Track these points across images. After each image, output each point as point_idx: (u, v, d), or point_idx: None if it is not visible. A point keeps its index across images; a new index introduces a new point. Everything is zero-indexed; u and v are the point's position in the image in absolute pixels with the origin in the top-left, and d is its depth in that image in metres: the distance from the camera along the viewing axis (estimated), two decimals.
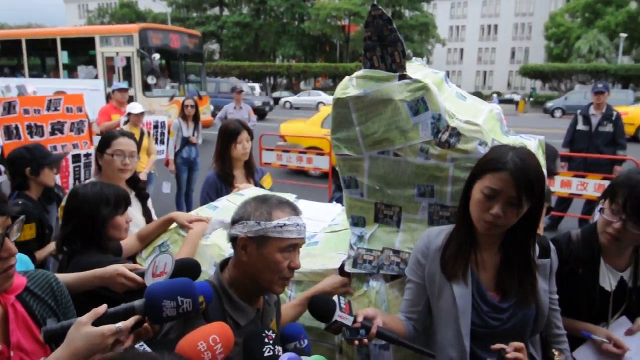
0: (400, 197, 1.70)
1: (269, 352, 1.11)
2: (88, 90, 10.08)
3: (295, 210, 1.32)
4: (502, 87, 53.27)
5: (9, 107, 3.84)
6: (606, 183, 5.47)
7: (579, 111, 6.15)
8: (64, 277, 1.47)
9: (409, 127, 1.58)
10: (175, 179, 6.36)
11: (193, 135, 6.30)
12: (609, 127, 5.82)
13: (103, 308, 1.02)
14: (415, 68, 1.68)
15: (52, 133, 4.16)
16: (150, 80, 12.63)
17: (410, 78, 1.57)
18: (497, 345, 1.24)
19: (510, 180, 1.30)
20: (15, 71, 15.60)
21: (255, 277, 1.30)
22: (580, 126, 5.98)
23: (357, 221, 1.83)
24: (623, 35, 34.09)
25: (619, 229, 1.54)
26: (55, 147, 4.20)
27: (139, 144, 5.24)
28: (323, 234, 2.12)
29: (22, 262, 1.72)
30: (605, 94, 5.88)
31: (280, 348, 1.15)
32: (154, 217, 2.59)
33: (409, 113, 1.57)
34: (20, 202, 2.74)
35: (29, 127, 3.98)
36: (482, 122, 1.58)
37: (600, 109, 5.89)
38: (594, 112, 5.94)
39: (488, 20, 59.20)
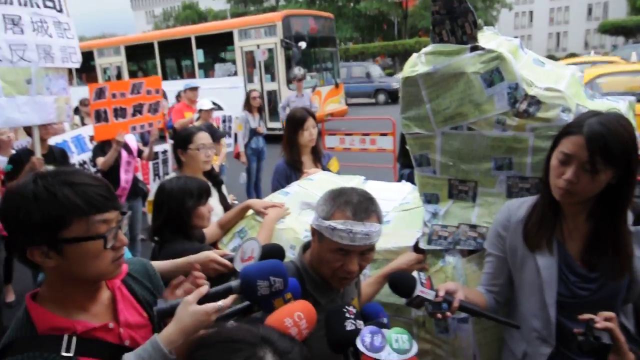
0: (476, 172, 1.66)
1: (350, 326, 1.15)
2: (227, 89, 10.25)
3: (356, 216, 1.25)
4: (579, 48, 48.89)
5: (100, 93, 4.13)
6: None
7: None
8: (161, 264, 1.60)
9: (483, 99, 1.52)
10: (246, 170, 6.62)
11: (259, 125, 6.51)
12: None
13: (205, 289, 1.11)
14: (487, 38, 1.61)
15: (133, 114, 4.41)
16: (298, 71, 11.62)
17: (483, 48, 1.51)
18: (586, 316, 1.18)
19: (583, 143, 1.23)
20: (148, 75, 15.73)
21: (320, 266, 1.34)
22: None
23: (430, 198, 1.80)
24: None
25: None
26: (134, 128, 4.46)
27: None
28: (395, 213, 2.12)
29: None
30: None
31: (361, 322, 1.18)
32: (229, 201, 2.75)
33: (483, 85, 1.51)
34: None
35: (115, 110, 4.23)
36: (565, 88, 1.49)
37: None
38: None
39: None
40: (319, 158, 3.05)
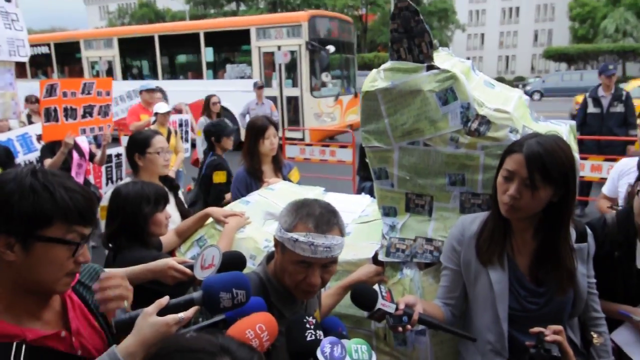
0: (431, 187, 1.73)
1: (311, 336, 1.16)
2: (239, 92, 9.29)
3: (317, 228, 1.25)
4: (526, 71, 51.82)
5: (51, 89, 3.95)
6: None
7: (587, 94, 6.08)
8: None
9: (438, 117, 1.60)
10: None
11: None
12: (620, 108, 5.78)
13: (166, 300, 1.10)
14: (442, 58, 1.69)
15: (83, 116, 4.27)
16: (326, 77, 10.80)
17: (438, 68, 1.59)
18: (536, 329, 1.26)
19: (523, 161, 1.33)
20: (145, 73, 13.88)
21: (282, 278, 1.34)
22: (591, 109, 5.92)
23: (388, 211, 1.86)
24: None
25: None
26: (84, 130, 4.30)
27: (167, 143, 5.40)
28: (354, 225, 2.16)
29: None
30: (615, 76, 5.83)
31: (321, 332, 1.19)
32: (186, 206, 2.72)
33: (438, 103, 1.59)
34: (215, 157, 4.00)
35: (65, 109, 4.08)
36: (512, 110, 1.59)
37: (609, 90, 5.84)
38: (603, 94, 5.88)
39: (509, 3, 57.51)
40: (279, 167, 3.07)
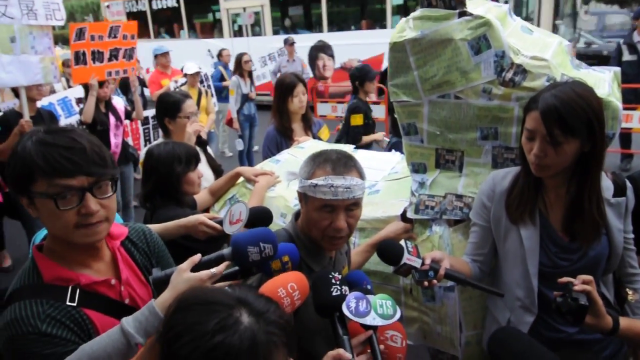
0: (462, 141, 1.67)
1: (336, 292, 1.18)
2: None
3: (335, 170, 1.28)
4: None
5: (80, 33, 4.07)
6: None
7: (621, 41, 5.64)
8: (153, 227, 1.63)
9: (470, 67, 1.52)
10: (238, 137, 6.55)
11: (251, 91, 6.41)
12: None
13: (198, 257, 1.14)
14: (476, 3, 1.58)
15: (109, 59, 4.38)
16: None
17: (470, 14, 1.49)
18: (565, 279, 1.22)
19: (539, 118, 1.26)
20: (304, 24, 11.31)
21: (310, 230, 1.36)
22: (627, 56, 5.51)
23: (417, 168, 1.82)
24: None
25: None
26: (110, 73, 4.41)
27: (197, 104, 5.44)
28: (384, 182, 2.14)
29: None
30: None
31: (347, 288, 1.22)
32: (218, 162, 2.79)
33: (470, 52, 1.51)
34: (355, 100, 4.24)
35: (93, 53, 4.20)
36: (550, 57, 1.48)
37: None
38: (639, 39, 5.39)
39: None
40: (309, 126, 3.04)
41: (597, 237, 1.38)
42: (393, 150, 2.76)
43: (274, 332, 0.77)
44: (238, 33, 11.82)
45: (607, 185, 1.41)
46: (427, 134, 1.73)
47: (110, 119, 4.31)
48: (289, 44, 8.11)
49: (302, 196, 1.35)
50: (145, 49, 8.21)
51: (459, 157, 1.72)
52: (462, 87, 1.56)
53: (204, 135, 5.54)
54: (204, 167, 2.61)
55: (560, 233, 1.41)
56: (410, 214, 1.79)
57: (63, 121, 4.72)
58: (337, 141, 4.08)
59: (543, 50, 1.52)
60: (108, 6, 13.69)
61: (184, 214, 1.85)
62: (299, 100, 2.90)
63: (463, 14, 1.50)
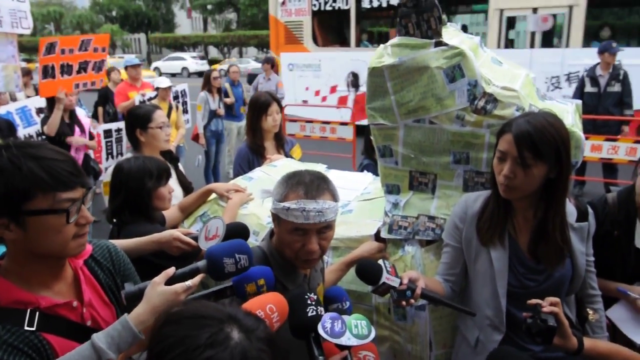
0: (436, 165, 1.73)
1: (312, 312, 1.18)
2: None
3: (308, 194, 1.27)
4: None
5: (50, 48, 3.99)
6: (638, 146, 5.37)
7: (584, 73, 6.04)
8: (124, 242, 1.58)
9: (445, 94, 1.59)
10: (204, 152, 6.48)
11: (219, 107, 6.37)
12: (617, 87, 5.76)
13: (172, 270, 1.12)
14: (450, 34, 1.67)
15: (78, 72, 4.31)
16: None
17: (446, 44, 1.56)
18: (533, 301, 1.28)
19: (512, 140, 1.34)
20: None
21: (283, 250, 1.36)
22: (589, 88, 5.89)
23: (391, 189, 1.87)
24: None
25: None
26: (77, 85, 4.33)
27: (167, 118, 5.35)
28: (357, 202, 2.17)
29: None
30: (614, 55, 5.74)
31: (322, 309, 1.21)
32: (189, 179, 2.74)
33: (445, 80, 1.58)
34: None
35: (62, 66, 4.13)
36: (519, 88, 1.58)
37: (608, 69, 5.79)
38: (601, 73, 5.84)
39: None
40: (281, 144, 3.06)
41: (561, 260, 1.45)
42: (365, 171, 2.81)
43: (264, 349, 0.77)
44: (511, 43, 8.81)
45: (570, 210, 1.49)
46: (401, 156, 1.78)
47: (75, 131, 4.17)
48: (267, 62, 8.14)
49: (275, 217, 1.35)
50: (343, 61, 7.73)
51: (432, 179, 1.77)
52: (436, 113, 1.63)
53: (172, 150, 5.45)
54: (173, 184, 2.56)
55: (527, 255, 1.48)
56: (383, 234, 1.82)
57: (22, 131, 4.50)
58: None
59: (512, 81, 1.61)
60: (283, 3, 9.97)
61: (155, 229, 1.80)
62: (273, 119, 2.92)
63: (439, 43, 1.57)
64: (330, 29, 10.26)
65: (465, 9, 10.32)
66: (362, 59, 8.46)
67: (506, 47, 8.52)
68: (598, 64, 5.89)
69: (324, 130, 7.49)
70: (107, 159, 5.18)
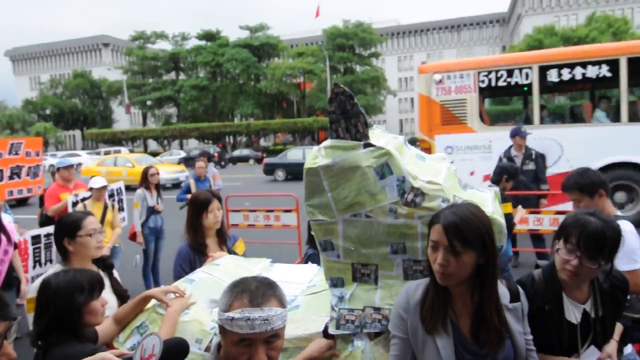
0: (375, 256, 1.79)
1: None
2: None
3: (253, 302, 1.25)
4: None
5: None
6: (560, 217, 5.87)
7: (501, 155, 6.73)
8: None
9: (377, 190, 1.70)
10: (142, 251, 6.19)
11: (158, 203, 6.24)
12: (531, 165, 6.46)
13: None
14: (377, 135, 1.82)
15: (11, 177, 4.06)
16: None
17: (374, 145, 1.70)
18: None
19: (442, 231, 1.45)
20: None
21: None
22: None
23: (336, 282, 1.88)
24: None
25: (577, 265, 1.68)
26: (11, 192, 4.06)
27: (102, 218, 5.13)
28: (303, 297, 2.15)
29: None
30: (524, 137, 6.51)
31: None
32: (124, 287, 2.57)
33: (376, 177, 1.70)
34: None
35: None
36: (443, 181, 1.72)
37: (521, 150, 6.52)
38: (516, 154, 6.55)
39: None
40: (224, 240, 3.02)
41: (502, 342, 1.50)
42: (309, 262, 2.81)
43: None
44: None
45: (503, 292, 1.58)
46: (342, 249, 1.83)
47: (1, 240, 3.85)
48: (203, 156, 8.12)
49: (221, 329, 1.30)
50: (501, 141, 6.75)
51: (374, 270, 1.82)
52: (371, 207, 1.72)
53: (106, 251, 5.14)
54: (107, 294, 2.40)
55: (470, 340, 1.51)
56: (331, 330, 1.80)
57: None
58: None
59: (436, 175, 1.76)
60: (440, 81, 8.61)
61: (84, 350, 1.65)
62: (214, 215, 2.91)
63: (368, 145, 1.71)
64: (502, 106, 9.14)
65: None
66: (548, 136, 7.72)
67: None
68: (511, 146, 6.58)
69: (267, 218, 7.50)
70: (33, 267, 4.78)
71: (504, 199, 4.78)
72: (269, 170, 21.39)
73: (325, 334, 1.81)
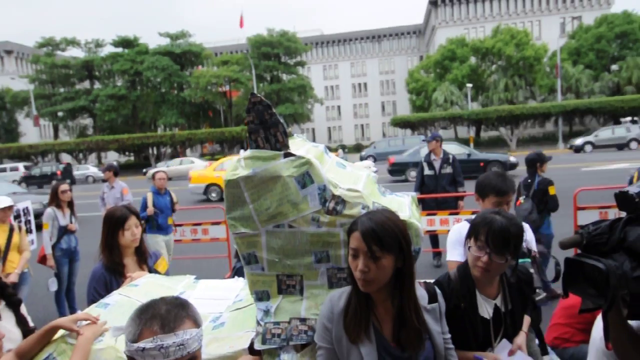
0: (300, 266, 1.78)
1: None
2: None
3: (164, 328, 1.18)
4: (379, 137, 58.16)
5: None
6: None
7: (423, 159, 7.16)
8: None
9: (299, 199, 1.69)
10: (55, 275, 5.66)
11: (71, 222, 5.75)
12: (449, 169, 6.89)
13: None
14: (297, 144, 1.82)
15: None
16: None
17: (294, 155, 1.70)
18: None
19: (360, 237, 1.48)
20: None
21: None
22: (427, 172, 6.96)
23: (261, 296, 1.84)
24: (469, 85, 40.20)
25: (487, 261, 1.79)
26: None
27: (8, 242, 4.63)
28: (229, 313, 2.08)
29: None
30: (439, 141, 6.94)
31: None
32: (31, 323, 2.31)
33: (297, 187, 1.69)
34: (541, 177, 5.21)
35: None
36: (362, 188, 1.76)
37: (438, 154, 6.93)
38: (434, 158, 6.96)
39: (358, 79, 65.69)
40: (144, 259, 2.85)
41: (421, 343, 1.55)
42: (236, 277, 2.74)
43: None
44: None
45: (421, 294, 1.64)
46: (266, 262, 1.79)
47: None
48: (110, 170, 7.51)
49: None
50: None
51: (299, 281, 1.81)
52: (294, 217, 1.71)
53: (14, 278, 4.63)
54: (8, 325, 2.16)
55: (392, 344, 1.55)
56: (257, 346, 1.75)
57: None
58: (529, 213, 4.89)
59: (356, 182, 1.79)
60: None
61: None
62: (132, 233, 2.74)
63: (288, 154, 1.70)
64: None
65: None
66: None
67: None
68: (431, 152, 6.96)
69: (195, 232, 7.24)
70: None
71: (547, 183, 5.19)
72: None
73: (251, 350, 1.76)
